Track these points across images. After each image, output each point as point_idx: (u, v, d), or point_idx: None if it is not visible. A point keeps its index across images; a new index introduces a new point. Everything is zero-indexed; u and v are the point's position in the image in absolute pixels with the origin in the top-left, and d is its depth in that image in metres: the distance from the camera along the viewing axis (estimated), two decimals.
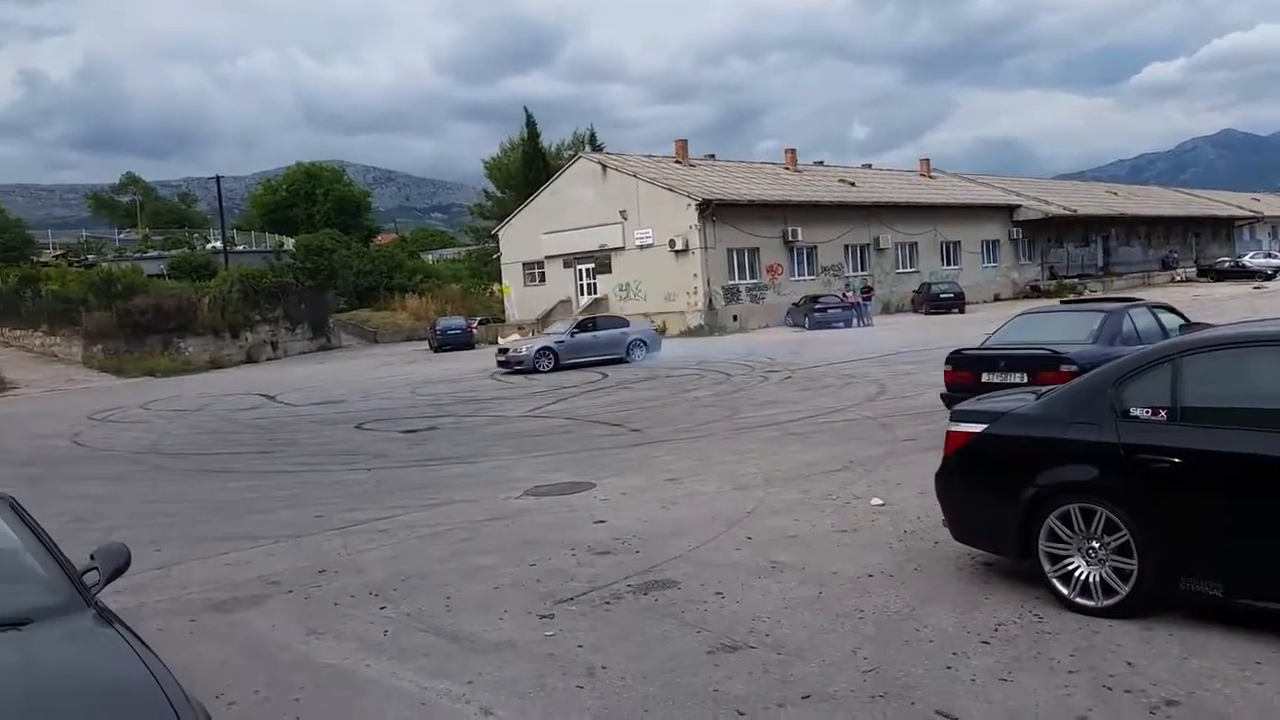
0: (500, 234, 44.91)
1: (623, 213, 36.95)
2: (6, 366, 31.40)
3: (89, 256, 51.46)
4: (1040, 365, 8.83)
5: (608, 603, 5.64)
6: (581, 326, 26.27)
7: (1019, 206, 51.87)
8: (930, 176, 54.75)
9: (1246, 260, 56.67)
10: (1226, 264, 56.71)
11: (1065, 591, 4.93)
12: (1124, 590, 4.72)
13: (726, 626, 5.09)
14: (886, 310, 40.52)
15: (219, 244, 54.55)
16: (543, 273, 41.49)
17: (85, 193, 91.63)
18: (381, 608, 5.88)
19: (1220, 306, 29.37)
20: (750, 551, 6.54)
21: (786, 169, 45.42)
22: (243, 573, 6.96)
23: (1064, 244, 55.14)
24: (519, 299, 42.26)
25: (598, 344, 25.77)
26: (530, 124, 52.82)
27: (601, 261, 38.57)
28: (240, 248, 57.26)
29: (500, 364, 25.41)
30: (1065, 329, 10.26)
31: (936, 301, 39.49)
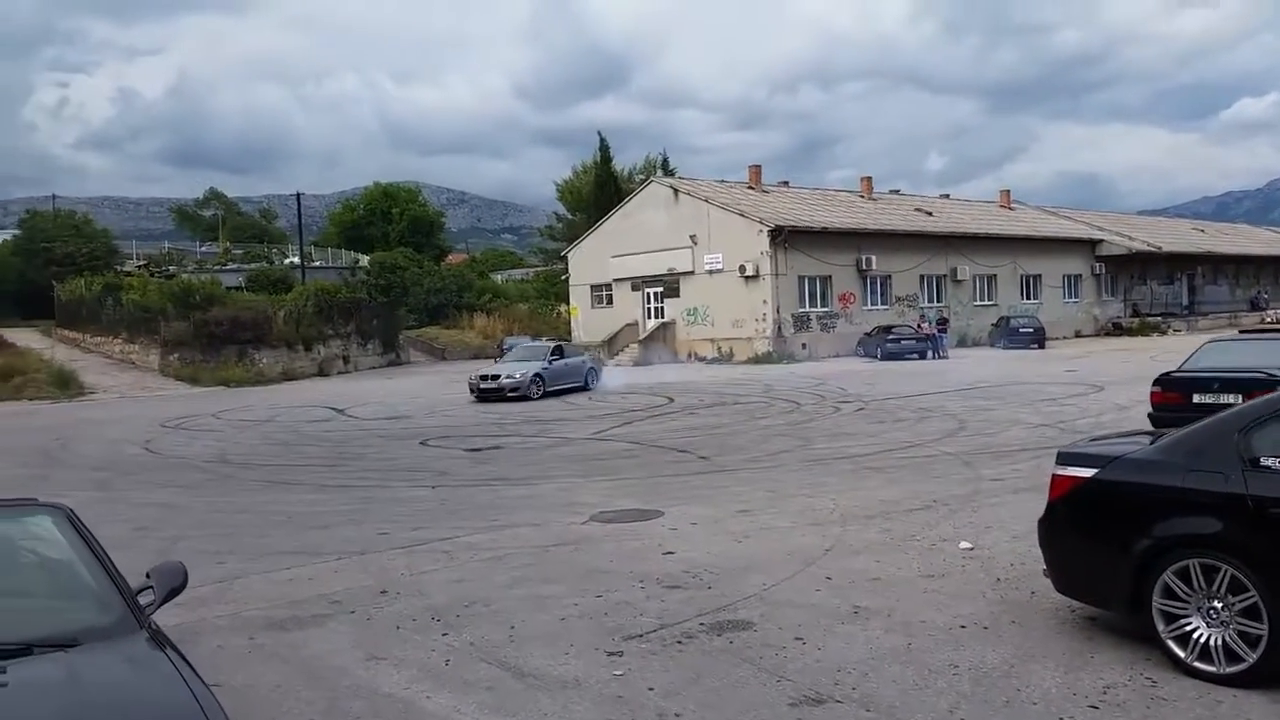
0: (570, 255, 45.08)
1: (693, 237, 36.77)
2: (86, 371, 32.28)
3: (170, 267, 52.89)
4: (1259, 387, 8.60)
5: (679, 642, 5.34)
6: (555, 354, 26.18)
7: (1102, 241, 50.48)
8: (1010, 208, 53.61)
9: None
10: None
11: (1181, 654, 4.50)
12: (1251, 657, 4.27)
13: (810, 677, 4.75)
14: (962, 343, 39.62)
15: (297, 259, 55.72)
16: (610, 295, 41.47)
17: (170, 206, 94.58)
18: (443, 634, 5.66)
19: None
20: (830, 593, 6.18)
21: (861, 197, 44.83)
22: (305, 589, 6.81)
23: (1147, 281, 53.49)
24: (585, 321, 42.27)
25: (568, 370, 25.98)
26: (603, 148, 53.14)
27: (670, 285, 38.40)
28: (317, 263, 58.41)
29: (485, 391, 23.85)
30: (1262, 355, 10.44)
31: (1015, 336, 38.44)
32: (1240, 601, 4.31)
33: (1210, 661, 4.40)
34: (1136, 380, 21.95)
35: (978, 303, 43.26)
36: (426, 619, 5.97)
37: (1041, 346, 37.72)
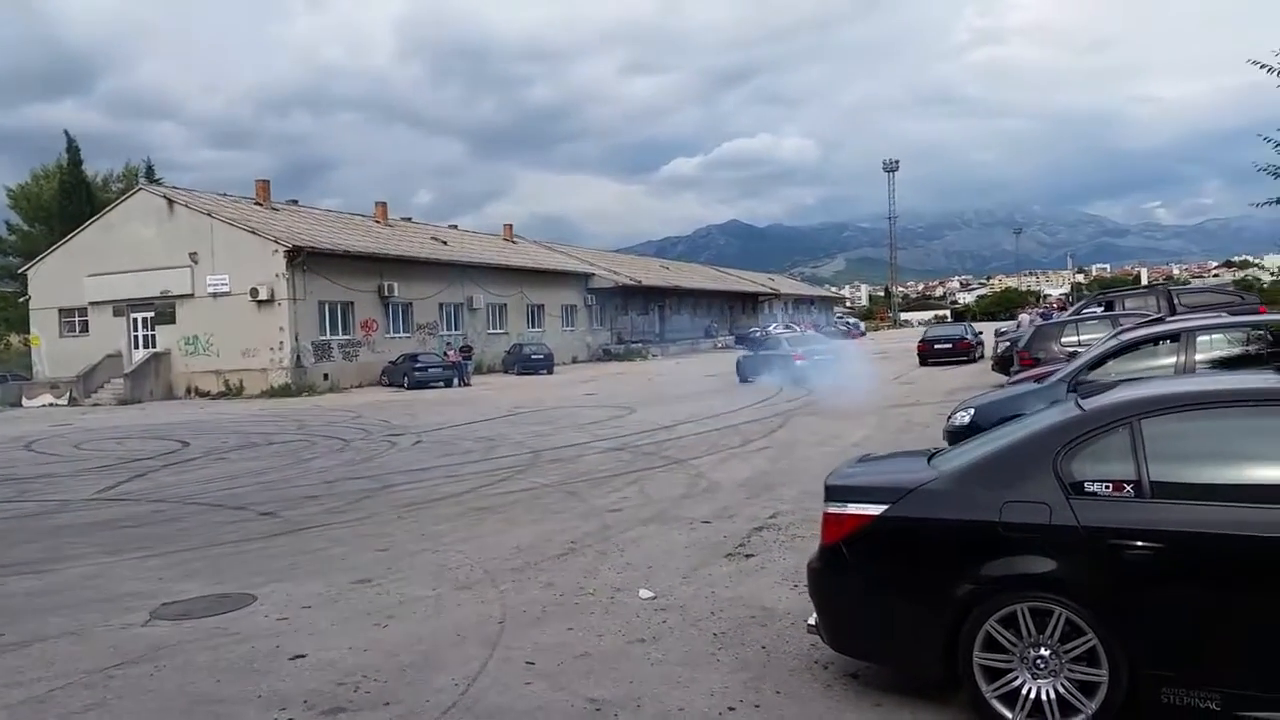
0: (30, 274, 37.28)
1: (193, 255, 32.33)
2: None
3: None
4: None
5: None
6: None
7: (593, 275, 54.39)
8: (513, 241, 55.57)
9: (771, 330, 64.42)
10: (757, 333, 63.96)
11: (1009, 715, 3.97)
12: (1089, 708, 3.86)
13: None
14: (479, 370, 39.75)
15: None
16: (85, 321, 34.99)
17: None
18: None
19: None
20: (548, 686, 4.88)
21: (377, 222, 43.14)
22: None
23: (629, 312, 58.69)
24: (51, 351, 35.21)
25: None
26: (72, 150, 44.94)
27: (163, 310, 33.34)
28: None
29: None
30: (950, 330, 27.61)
31: (528, 362, 39.76)
32: (1075, 647, 3.88)
33: (1043, 718, 3.93)
34: (654, 401, 23.31)
35: (491, 330, 43.96)
36: None
37: (550, 372, 39.38)
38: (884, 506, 4.33)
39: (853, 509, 4.40)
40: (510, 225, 57.39)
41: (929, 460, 4.67)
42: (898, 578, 4.29)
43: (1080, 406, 4.37)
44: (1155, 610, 3.78)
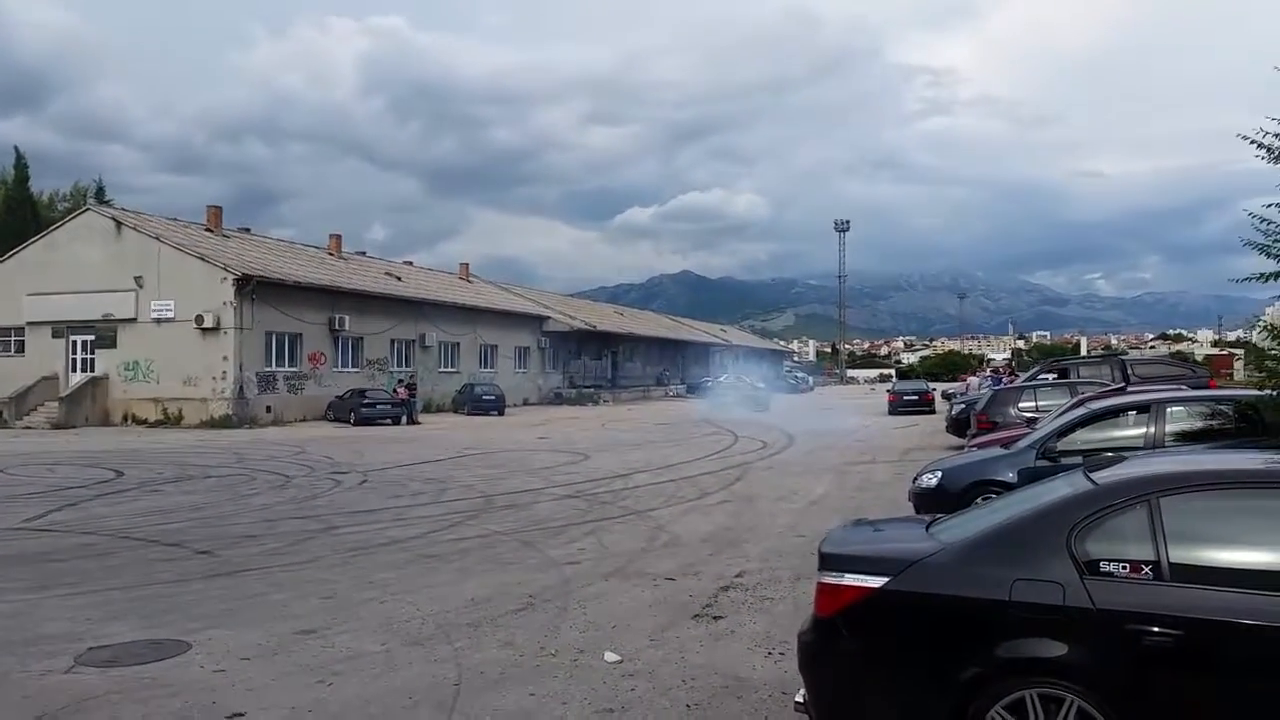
0: None
1: (139, 279, 31.45)
2: None
3: None
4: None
5: None
6: None
7: (548, 318, 54.18)
8: (469, 280, 55.17)
9: (722, 380, 64.56)
10: (709, 383, 64.08)
11: None
12: None
13: None
14: (428, 409, 39.09)
15: None
16: (22, 341, 33.79)
17: None
18: None
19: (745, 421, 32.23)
20: None
21: (331, 254, 42.52)
22: None
23: (582, 356, 58.49)
24: None
25: None
26: (20, 166, 43.84)
27: (105, 334, 32.30)
28: None
29: None
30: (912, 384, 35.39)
31: (479, 402, 39.34)
32: None
33: None
34: (608, 447, 23.01)
35: (443, 369, 43.38)
36: None
37: (501, 413, 38.94)
38: (885, 579, 4.06)
39: (850, 580, 4.13)
40: (466, 264, 57.08)
41: (928, 528, 4.44)
42: (898, 657, 4.02)
43: (1092, 480, 4.17)
44: (1174, 702, 3.56)
